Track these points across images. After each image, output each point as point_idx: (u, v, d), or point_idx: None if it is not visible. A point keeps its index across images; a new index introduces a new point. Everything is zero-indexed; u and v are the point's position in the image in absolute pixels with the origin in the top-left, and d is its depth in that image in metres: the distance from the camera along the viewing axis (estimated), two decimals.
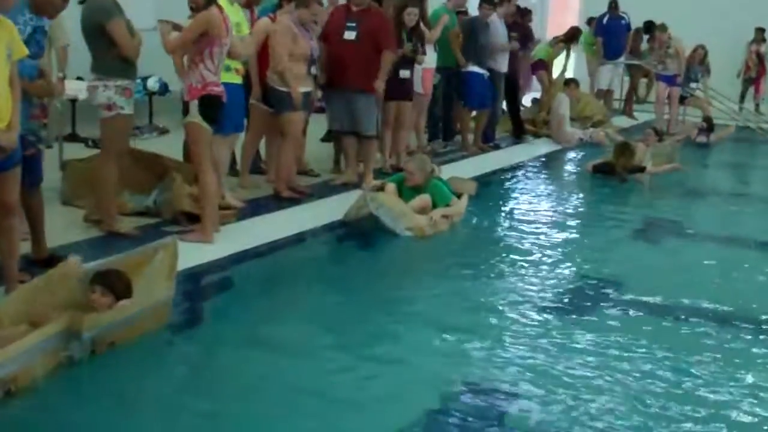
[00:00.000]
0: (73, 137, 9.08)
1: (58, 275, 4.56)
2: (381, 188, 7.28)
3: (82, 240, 6.05)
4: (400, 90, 9.04)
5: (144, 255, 4.91)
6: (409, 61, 9.02)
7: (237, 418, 3.82)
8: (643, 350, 4.75)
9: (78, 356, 4.15)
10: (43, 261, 5.33)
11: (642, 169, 9.90)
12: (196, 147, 6.28)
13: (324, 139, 9.76)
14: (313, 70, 7.83)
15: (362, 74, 8.07)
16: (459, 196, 7.62)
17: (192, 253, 5.54)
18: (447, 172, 8.31)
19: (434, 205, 7.22)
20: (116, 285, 4.48)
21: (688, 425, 3.92)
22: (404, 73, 9.01)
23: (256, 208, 7.30)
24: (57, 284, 4.50)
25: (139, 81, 10.02)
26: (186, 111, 6.22)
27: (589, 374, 4.40)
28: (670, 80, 13.92)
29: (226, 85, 6.45)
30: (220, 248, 6.09)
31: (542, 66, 13.60)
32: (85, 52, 5.99)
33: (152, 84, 10.63)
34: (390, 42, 8.26)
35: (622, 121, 14.63)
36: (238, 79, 6.99)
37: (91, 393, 3.97)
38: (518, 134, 12.33)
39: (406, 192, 7.28)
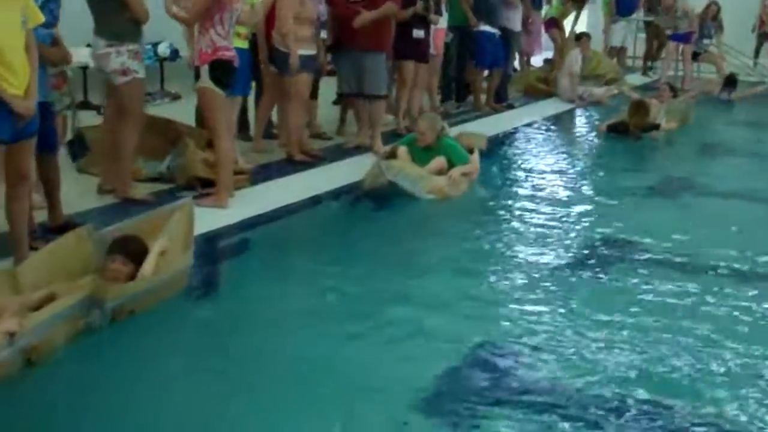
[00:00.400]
0: (85, 105, 9.05)
1: (73, 240, 4.56)
2: (393, 153, 7.22)
3: (97, 207, 6.07)
4: (415, 50, 8.97)
5: (160, 217, 4.91)
6: (422, 21, 8.91)
7: (250, 381, 3.82)
8: (662, 307, 4.73)
9: (98, 324, 4.16)
10: (58, 228, 5.33)
11: (656, 127, 9.81)
12: (209, 113, 6.25)
13: (336, 102, 9.70)
14: (323, 34, 7.79)
15: (370, 34, 7.99)
16: (470, 151, 7.55)
17: (207, 218, 5.54)
18: (459, 132, 8.26)
19: (450, 165, 7.16)
20: (137, 253, 4.46)
21: (718, 381, 3.92)
22: (418, 33, 8.91)
23: (269, 172, 7.29)
24: (73, 249, 4.51)
25: (149, 47, 10.07)
26: (197, 76, 6.18)
27: (608, 333, 4.38)
28: (681, 38, 13.76)
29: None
30: (234, 213, 6.09)
31: (555, 24, 13.47)
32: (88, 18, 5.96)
33: (163, 50, 10.58)
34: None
35: (636, 79, 14.50)
36: (242, 44, 6.94)
37: (110, 360, 3.96)
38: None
39: (417, 154, 7.21)
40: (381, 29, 8.07)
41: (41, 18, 4.67)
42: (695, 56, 14.14)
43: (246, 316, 4.54)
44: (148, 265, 4.42)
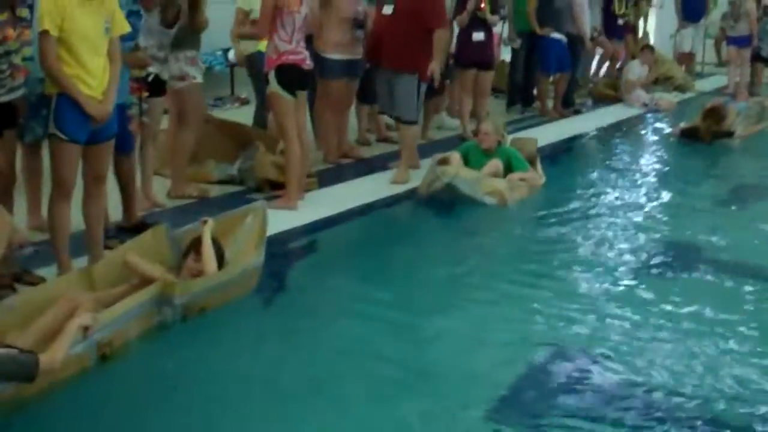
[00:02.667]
0: None
1: (150, 239, 4.65)
2: (446, 160, 7.11)
3: (170, 207, 6.18)
4: (477, 55, 8.89)
5: (234, 219, 4.98)
6: (481, 23, 8.83)
7: (317, 377, 3.85)
8: (729, 316, 4.62)
9: (170, 321, 4.23)
10: (133, 228, 5.44)
11: (730, 134, 9.59)
12: (278, 117, 6.32)
13: None
14: (360, 33, 7.53)
15: (398, 53, 7.04)
16: (533, 162, 7.46)
17: (276, 220, 5.59)
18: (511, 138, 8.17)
19: (507, 171, 7.08)
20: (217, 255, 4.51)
21: None
22: (477, 36, 8.82)
23: (337, 174, 7.30)
24: (149, 248, 4.59)
25: (220, 53, 10.23)
26: (267, 82, 6.26)
27: (675, 339, 4.31)
28: (740, 42, 13.44)
29: None
30: (303, 215, 6.14)
31: (630, 29, 13.27)
32: None
33: (233, 56, 10.69)
34: (436, 19, 7.09)
35: (704, 84, 14.24)
36: None
37: (179, 356, 4.03)
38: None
39: (474, 159, 7.14)
40: (414, 51, 7.04)
41: (126, 27, 4.79)
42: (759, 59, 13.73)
43: (313, 316, 4.57)
44: (209, 265, 4.46)
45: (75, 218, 4.81)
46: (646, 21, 13.94)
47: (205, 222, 4.64)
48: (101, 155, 4.74)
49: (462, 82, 9.16)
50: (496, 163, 7.03)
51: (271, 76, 6.17)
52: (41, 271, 4.71)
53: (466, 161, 7.13)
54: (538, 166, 7.49)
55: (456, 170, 6.78)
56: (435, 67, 7.02)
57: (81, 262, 4.75)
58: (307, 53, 6.36)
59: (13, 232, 4.36)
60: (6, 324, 3.81)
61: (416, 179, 7.01)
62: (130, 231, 5.37)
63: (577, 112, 11.29)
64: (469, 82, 9.05)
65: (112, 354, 3.88)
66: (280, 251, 5.38)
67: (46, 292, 4.10)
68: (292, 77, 6.21)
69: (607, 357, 4.12)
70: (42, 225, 5.22)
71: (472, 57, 8.94)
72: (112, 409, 3.57)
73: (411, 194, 6.93)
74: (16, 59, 4.57)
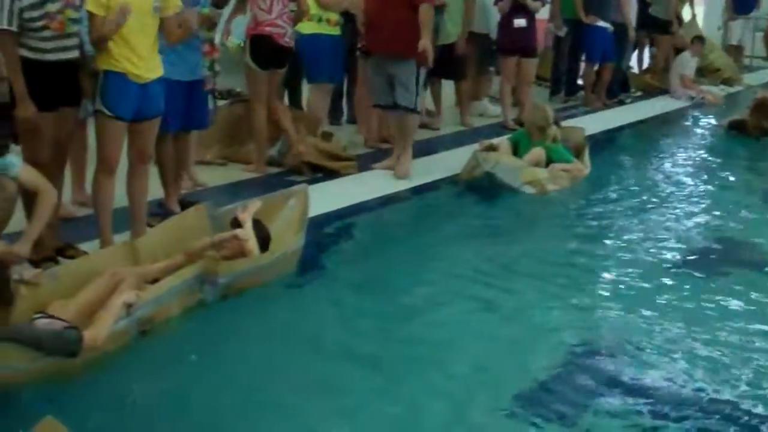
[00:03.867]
0: None
1: (192, 217, 4.69)
2: (492, 147, 7.06)
3: (213, 186, 6.20)
4: (517, 43, 8.79)
5: (276, 201, 4.99)
6: (523, 9, 8.72)
7: (353, 359, 3.87)
8: None
9: (210, 299, 4.25)
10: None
11: None
12: (248, 86, 6.47)
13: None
14: None
15: (393, 37, 6.45)
16: (579, 153, 7.38)
17: (316, 203, 5.58)
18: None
19: (551, 161, 7.01)
20: (259, 237, 4.51)
21: None
22: (518, 22, 8.72)
23: (378, 158, 7.27)
24: (191, 225, 4.63)
25: None
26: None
27: (715, 337, 4.22)
28: None
29: (317, 36, 6.75)
30: (342, 198, 6.15)
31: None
32: None
33: None
34: None
35: (753, 78, 13.99)
36: (331, 30, 6.99)
37: (217, 335, 4.06)
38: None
39: (524, 149, 7.06)
40: (408, 32, 6.39)
41: (179, 5, 4.78)
42: None
43: (351, 298, 4.59)
44: (251, 246, 4.46)
45: (118, 195, 4.85)
46: (693, 8, 13.64)
47: (245, 208, 4.63)
48: (146, 133, 4.77)
49: (503, 69, 9.08)
50: (538, 152, 6.96)
51: (246, 46, 6.22)
52: (84, 246, 4.75)
53: (516, 150, 7.06)
54: (586, 155, 7.40)
55: (497, 158, 6.72)
56: (425, 45, 6.36)
57: (123, 237, 4.79)
58: (289, 29, 6.29)
59: (59, 206, 4.42)
60: (50, 294, 3.85)
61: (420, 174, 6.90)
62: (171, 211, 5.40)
63: (621, 102, 11.15)
64: (510, 69, 8.96)
65: (151, 330, 3.91)
66: (317, 234, 5.37)
67: (90, 264, 4.14)
68: (266, 50, 6.20)
69: (641, 350, 4.07)
70: (86, 200, 5.27)
71: (514, 44, 8.85)
72: (149, 383, 3.59)
73: (446, 182, 6.88)
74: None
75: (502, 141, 7.15)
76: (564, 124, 8.07)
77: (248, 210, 4.56)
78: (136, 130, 4.69)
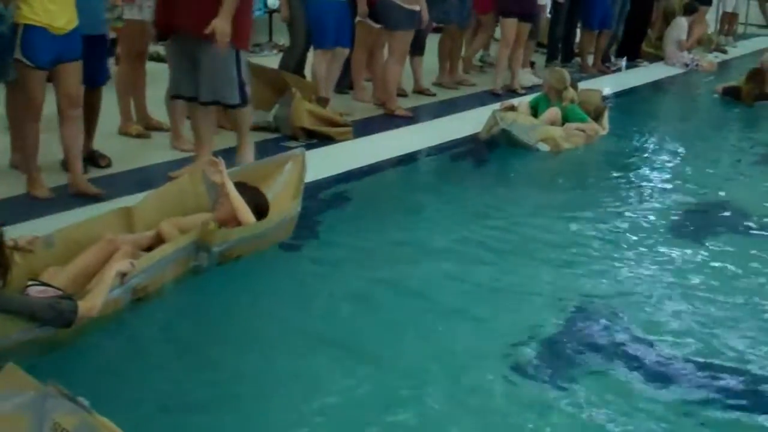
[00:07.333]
0: None
1: (187, 181, 4.64)
2: (512, 108, 7.25)
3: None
4: (518, 4, 8.74)
5: (273, 166, 4.94)
6: None
7: (349, 322, 3.88)
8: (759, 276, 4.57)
9: (205, 266, 4.21)
10: (87, 157, 5.59)
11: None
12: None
13: None
14: None
15: (199, 12, 5.02)
16: (598, 116, 7.53)
17: (310, 169, 5.54)
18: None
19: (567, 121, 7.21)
20: (254, 204, 4.45)
21: None
22: None
23: (373, 126, 7.24)
24: (186, 190, 4.58)
25: None
26: None
27: (708, 300, 4.23)
28: None
29: (326, 2, 6.67)
30: (337, 164, 6.09)
31: None
32: None
33: (272, 1, 10.78)
34: None
35: (747, 46, 13.98)
36: None
37: (212, 300, 4.04)
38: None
39: (542, 110, 7.27)
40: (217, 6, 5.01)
41: None
42: None
43: (346, 264, 4.54)
44: (249, 215, 4.40)
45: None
46: None
47: (214, 163, 4.46)
48: (67, 77, 4.89)
49: (503, 32, 8.99)
50: (554, 111, 7.21)
51: None
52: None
53: (535, 112, 7.30)
54: (605, 117, 7.62)
55: (514, 117, 6.96)
56: (217, 24, 4.97)
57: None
58: None
59: None
60: (44, 260, 3.80)
61: (460, 129, 6.96)
62: (85, 161, 5.49)
63: (618, 69, 11.12)
64: (511, 32, 8.85)
65: (145, 296, 3.87)
66: (313, 200, 5.32)
67: (84, 230, 4.07)
68: None
69: (634, 315, 4.05)
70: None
71: (514, 5, 8.76)
72: (140, 350, 3.57)
73: (442, 149, 6.94)
74: None
75: (522, 102, 7.40)
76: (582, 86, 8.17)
77: (218, 169, 4.42)
78: (57, 75, 4.86)
